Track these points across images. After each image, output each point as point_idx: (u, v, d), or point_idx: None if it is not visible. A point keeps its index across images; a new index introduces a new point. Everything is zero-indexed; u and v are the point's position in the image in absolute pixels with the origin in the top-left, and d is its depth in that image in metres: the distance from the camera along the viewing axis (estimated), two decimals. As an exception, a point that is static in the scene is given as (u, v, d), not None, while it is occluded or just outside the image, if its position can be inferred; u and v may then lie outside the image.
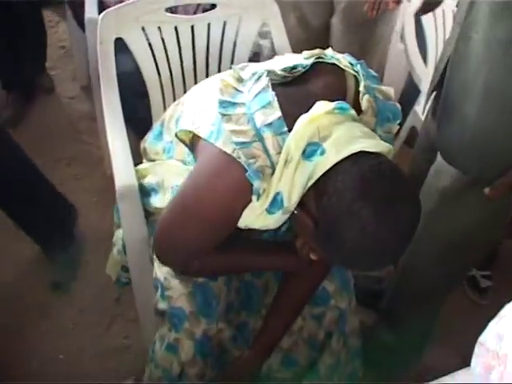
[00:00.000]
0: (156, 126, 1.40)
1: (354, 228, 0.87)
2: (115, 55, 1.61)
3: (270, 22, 1.77)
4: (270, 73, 1.03)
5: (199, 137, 1.07)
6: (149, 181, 1.35)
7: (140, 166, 1.42)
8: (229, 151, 0.98)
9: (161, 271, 1.28)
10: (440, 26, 2.12)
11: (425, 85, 1.91)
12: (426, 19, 2.09)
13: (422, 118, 1.56)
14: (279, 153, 0.96)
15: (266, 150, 0.96)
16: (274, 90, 1.00)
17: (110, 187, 2.17)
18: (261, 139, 0.96)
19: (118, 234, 1.53)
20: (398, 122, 1.09)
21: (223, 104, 1.00)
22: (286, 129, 0.96)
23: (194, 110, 1.15)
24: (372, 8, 1.72)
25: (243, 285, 1.32)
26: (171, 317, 1.22)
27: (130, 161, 1.42)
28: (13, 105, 2.54)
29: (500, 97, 1.10)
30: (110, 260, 1.63)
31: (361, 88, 1.04)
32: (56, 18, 2.99)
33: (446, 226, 1.37)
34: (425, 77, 1.95)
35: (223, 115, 0.99)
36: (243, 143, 0.96)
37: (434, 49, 2.12)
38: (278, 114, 0.96)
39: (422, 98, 2.02)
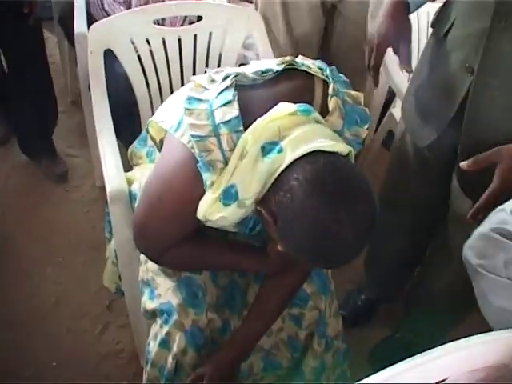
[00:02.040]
0: (143, 132, 1.45)
1: (307, 225, 0.90)
2: (106, 68, 1.66)
3: (255, 33, 1.83)
4: (240, 75, 1.08)
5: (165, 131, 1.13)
6: (134, 187, 1.41)
7: (127, 174, 1.47)
8: (185, 142, 1.04)
9: (147, 272, 1.32)
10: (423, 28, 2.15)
11: (402, 90, 1.94)
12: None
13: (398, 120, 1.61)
14: (233, 149, 1.00)
15: (220, 146, 1.00)
16: (241, 91, 1.05)
17: (101, 198, 2.23)
18: (217, 135, 1.01)
19: (111, 246, 1.56)
20: (366, 126, 1.12)
21: (190, 99, 1.05)
22: (241, 128, 1.00)
23: (165, 106, 1.22)
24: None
25: (229, 283, 1.34)
26: (161, 313, 1.25)
27: (120, 166, 1.46)
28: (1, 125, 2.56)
29: None
30: (105, 273, 1.66)
31: (329, 90, 1.08)
32: (46, 34, 3.03)
33: None
34: (402, 84, 1.99)
35: (186, 109, 1.04)
36: (199, 137, 1.01)
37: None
38: (236, 112, 1.01)
39: (397, 102, 2.06)
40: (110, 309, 1.94)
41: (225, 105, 1.02)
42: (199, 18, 1.78)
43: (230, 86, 1.04)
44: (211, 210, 1.03)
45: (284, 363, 1.41)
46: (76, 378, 1.74)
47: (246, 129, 1.00)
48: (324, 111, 1.08)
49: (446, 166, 1.42)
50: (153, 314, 1.28)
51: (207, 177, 1.01)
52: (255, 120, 1.00)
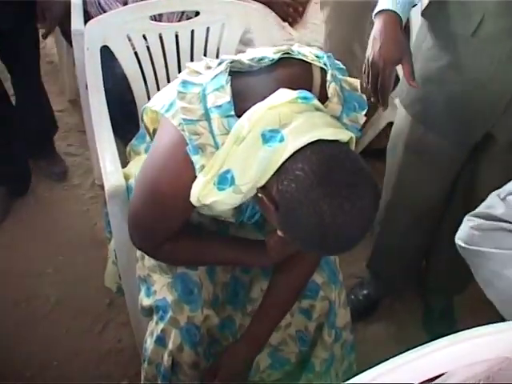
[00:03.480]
0: (141, 129, 1.44)
1: (311, 214, 0.90)
2: (103, 65, 1.65)
3: (253, 28, 1.81)
4: (235, 61, 1.07)
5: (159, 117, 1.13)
6: (131, 181, 1.40)
7: (124, 169, 1.46)
8: (175, 124, 1.03)
9: (143, 269, 1.32)
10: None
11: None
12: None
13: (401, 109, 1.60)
14: (224, 134, 1.00)
15: (211, 130, 1.00)
16: (235, 76, 1.04)
17: (100, 196, 2.22)
18: (208, 119, 1.00)
19: (111, 246, 1.56)
20: (364, 112, 1.12)
21: (184, 83, 1.05)
22: (233, 113, 1.00)
23: (160, 93, 1.21)
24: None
25: (232, 280, 1.34)
26: (157, 309, 1.24)
27: (118, 163, 1.45)
28: None
29: None
30: (106, 274, 1.66)
31: (328, 77, 1.07)
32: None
33: None
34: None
35: (179, 92, 1.04)
36: (190, 120, 1.00)
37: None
38: (228, 98, 1.00)
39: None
40: (110, 307, 1.93)
41: (217, 89, 1.01)
42: (197, 14, 1.77)
43: (224, 71, 1.04)
44: (204, 192, 1.02)
45: (292, 358, 1.42)
46: (77, 378, 1.74)
47: (238, 114, 1.00)
48: (323, 98, 1.07)
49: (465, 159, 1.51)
50: (149, 311, 1.27)
51: (196, 160, 1.01)
52: (248, 106, 0.99)
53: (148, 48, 1.73)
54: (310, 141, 0.93)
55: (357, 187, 0.91)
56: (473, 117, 1.40)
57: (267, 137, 0.97)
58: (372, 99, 1.32)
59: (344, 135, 0.98)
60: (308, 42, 2.17)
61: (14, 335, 1.84)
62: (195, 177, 1.02)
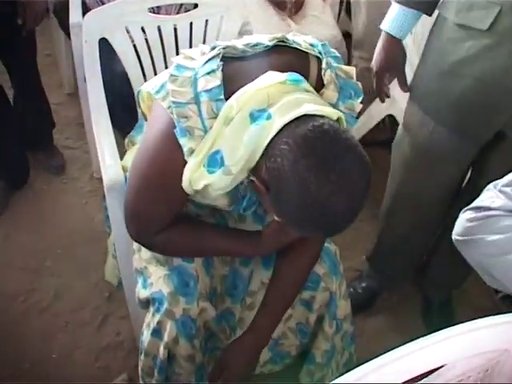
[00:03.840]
0: (140, 121, 1.44)
1: (298, 188, 0.89)
2: (101, 58, 1.65)
3: (252, 20, 1.81)
4: (229, 47, 1.06)
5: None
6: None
7: (122, 162, 1.45)
8: (165, 106, 1.03)
9: (139, 261, 1.31)
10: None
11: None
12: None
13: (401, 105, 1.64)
14: (213, 118, 1.00)
15: (200, 113, 1.00)
16: (228, 61, 1.04)
17: (99, 189, 2.22)
18: (197, 102, 1.00)
19: (110, 240, 1.56)
20: (360, 99, 1.12)
21: (178, 67, 1.05)
22: (222, 97, 1.00)
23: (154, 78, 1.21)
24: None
25: (230, 272, 1.34)
26: (153, 301, 1.24)
27: (116, 156, 1.45)
28: None
29: None
30: (106, 268, 1.66)
31: (323, 65, 1.07)
32: (42, 26, 3.02)
33: None
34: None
35: (171, 75, 1.03)
36: (179, 103, 1.00)
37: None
38: (218, 82, 1.00)
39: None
40: (110, 300, 1.93)
41: (208, 74, 1.01)
42: (195, 6, 1.76)
43: (217, 55, 1.04)
44: (195, 176, 1.02)
45: (292, 351, 1.42)
46: (76, 370, 1.73)
47: (228, 98, 0.99)
48: (319, 87, 1.07)
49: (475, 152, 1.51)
50: (146, 303, 1.27)
51: (184, 142, 1.00)
52: (239, 90, 0.99)
53: (146, 40, 1.72)
54: (296, 116, 0.93)
55: (344, 159, 0.90)
56: (486, 113, 1.39)
57: (255, 116, 0.97)
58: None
59: (331, 112, 0.97)
60: (307, 34, 2.16)
61: (12, 328, 1.83)
62: (185, 162, 1.02)
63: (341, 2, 2.74)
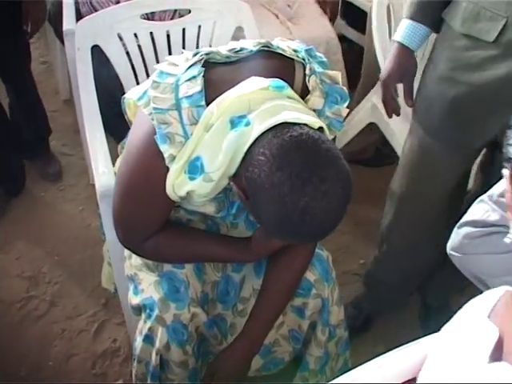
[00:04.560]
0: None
1: (274, 200, 0.88)
2: (94, 64, 1.65)
3: (244, 25, 1.81)
4: (212, 53, 1.06)
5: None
6: None
7: (115, 168, 1.45)
8: (146, 113, 1.03)
9: (130, 268, 1.32)
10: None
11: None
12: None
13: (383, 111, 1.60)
14: (194, 124, 0.99)
15: (181, 120, 1.00)
16: (210, 67, 1.04)
17: (95, 196, 2.21)
18: (178, 109, 1.00)
19: (105, 247, 1.56)
20: (346, 104, 1.11)
21: (160, 73, 1.05)
22: (203, 103, 1.00)
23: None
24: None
25: (222, 278, 1.34)
26: (144, 308, 1.24)
27: (109, 163, 1.45)
28: None
29: None
30: (103, 274, 1.66)
31: (306, 71, 1.07)
32: (37, 33, 3.03)
33: None
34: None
35: (154, 82, 1.04)
36: (160, 109, 1.00)
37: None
38: (199, 88, 1.00)
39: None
40: (106, 307, 1.93)
41: (190, 80, 1.01)
42: (190, 12, 1.76)
43: (199, 61, 1.04)
44: (177, 183, 1.02)
45: (286, 357, 1.41)
46: (72, 378, 1.74)
47: (209, 104, 0.99)
48: (305, 93, 1.07)
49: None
50: (139, 310, 1.27)
51: (165, 149, 1.00)
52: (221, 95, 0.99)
53: (139, 47, 1.72)
54: (273, 124, 0.92)
55: (322, 169, 0.88)
56: (478, 122, 1.37)
57: (235, 122, 0.96)
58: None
59: (311, 121, 0.95)
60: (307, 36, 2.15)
61: (9, 335, 1.83)
62: (168, 168, 1.02)
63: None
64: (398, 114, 1.56)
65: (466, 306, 0.70)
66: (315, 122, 0.96)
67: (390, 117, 1.57)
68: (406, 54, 1.47)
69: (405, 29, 1.45)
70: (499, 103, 1.31)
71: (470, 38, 1.31)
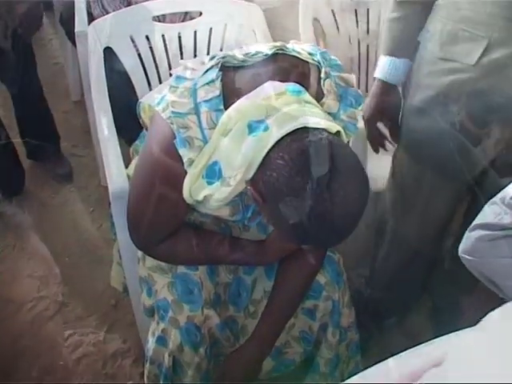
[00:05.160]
0: (144, 130, 1.45)
1: (293, 205, 0.88)
2: (107, 66, 1.66)
3: (256, 29, 1.81)
4: (228, 57, 1.07)
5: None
6: None
7: (127, 170, 1.46)
8: (165, 117, 1.03)
9: (144, 269, 1.32)
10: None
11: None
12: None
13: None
14: (212, 128, 1.00)
15: (199, 124, 1.00)
16: (227, 71, 1.04)
17: (106, 197, 2.21)
18: (197, 113, 1.01)
19: (115, 247, 1.56)
20: (361, 107, 1.11)
21: (177, 78, 1.05)
22: (222, 107, 1.00)
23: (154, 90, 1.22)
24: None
25: (234, 280, 1.34)
26: (158, 309, 1.24)
27: (121, 164, 1.46)
28: None
29: None
30: (112, 274, 1.66)
31: (322, 74, 1.07)
32: (49, 34, 3.05)
33: None
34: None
35: (171, 87, 1.04)
36: (179, 113, 1.01)
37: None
38: (217, 92, 1.00)
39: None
40: (116, 308, 1.93)
41: (207, 84, 1.01)
42: (201, 15, 1.77)
43: (215, 65, 1.04)
44: (194, 187, 1.03)
45: (297, 359, 1.41)
46: (83, 378, 1.74)
47: (227, 108, 0.99)
48: (320, 96, 1.07)
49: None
50: (152, 311, 1.28)
51: (184, 153, 1.01)
52: (238, 99, 0.99)
53: (151, 49, 1.73)
54: (293, 129, 0.92)
55: (338, 174, 0.88)
56: (464, 151, 1.30)
57: (253, 127, 0.96)
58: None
59: (330, 126, 0.96)
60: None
61: (20, 336, 1.84)
62: (186, 172, 1.02)
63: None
64: (386, 150, 1.52)
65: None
66: (333, 126, 0.96)
67: (377, 153, 1.53)
68: (389, 91, 1.42)
69: (386, 66, 1.39)
70: (486, 129, 1.26)
71: (450, 62, 1.26)
